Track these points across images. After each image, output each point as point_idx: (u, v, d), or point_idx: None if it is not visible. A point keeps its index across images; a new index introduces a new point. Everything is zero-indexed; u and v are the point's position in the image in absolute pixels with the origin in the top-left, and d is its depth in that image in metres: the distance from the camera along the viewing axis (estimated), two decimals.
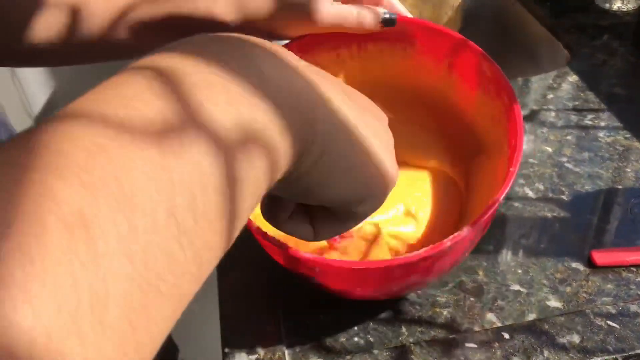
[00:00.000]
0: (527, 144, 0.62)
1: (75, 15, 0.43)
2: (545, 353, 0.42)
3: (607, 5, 0.84)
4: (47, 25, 0.44)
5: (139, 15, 0.43)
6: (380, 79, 0.51)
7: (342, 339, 0.45)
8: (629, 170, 0.58)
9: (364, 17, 0.44)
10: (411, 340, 0.45)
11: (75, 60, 0.49)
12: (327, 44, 0.49)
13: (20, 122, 1.10)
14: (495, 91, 0.46)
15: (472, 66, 0.47)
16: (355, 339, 0.45)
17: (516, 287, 0.48)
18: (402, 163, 0.45)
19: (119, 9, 0.43)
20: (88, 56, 0.48)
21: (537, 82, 0.72)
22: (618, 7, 0.83)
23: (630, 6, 0.83)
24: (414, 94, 0.52)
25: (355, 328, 0.46)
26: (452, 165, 0.54)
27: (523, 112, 0.66)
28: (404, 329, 0.46)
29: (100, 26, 0.43)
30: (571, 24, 0.82)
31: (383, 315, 0.47)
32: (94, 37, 0.44)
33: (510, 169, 0.39)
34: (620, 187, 0.57)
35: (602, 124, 0.64)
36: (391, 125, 0.34)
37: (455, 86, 0.50)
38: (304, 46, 0.47)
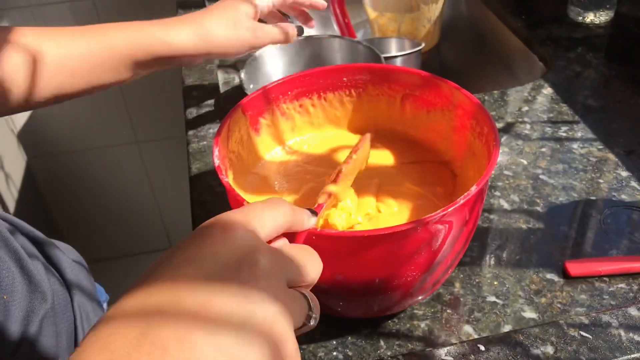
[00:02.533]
0: (502, 156, 0.63)
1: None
2: None
3: (580, 18, 0.85)
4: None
5: (122, 51, 0.54)
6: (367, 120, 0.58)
7: (321, 354, 0.46)
8: (602, 181, 0.59)
9: (285, 30, 0.60)
10: (389, 353, 0.45)
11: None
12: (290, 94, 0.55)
13: (3, 137, 1.10)
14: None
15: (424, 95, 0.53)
16: (334, 353, 0.46)
17: (492, 299, 0.49)
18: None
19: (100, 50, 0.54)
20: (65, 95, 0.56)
21: (513, 95, 0.73)
22: (591, 19, 0.85)
23: (602, 19, 0.85)
24: (379, 131, 0.57)
25: (334, 342, 0.46)
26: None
27: (499, 125, 0.67)
28: (382, 343, 0.46)
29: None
30: (546, 36, 0.83)
31: (362, 329, 0.47)
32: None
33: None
34: (593, 198, 0.58)
35: (576, 135, 0.66)
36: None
37: (411, 118, 0.55)
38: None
